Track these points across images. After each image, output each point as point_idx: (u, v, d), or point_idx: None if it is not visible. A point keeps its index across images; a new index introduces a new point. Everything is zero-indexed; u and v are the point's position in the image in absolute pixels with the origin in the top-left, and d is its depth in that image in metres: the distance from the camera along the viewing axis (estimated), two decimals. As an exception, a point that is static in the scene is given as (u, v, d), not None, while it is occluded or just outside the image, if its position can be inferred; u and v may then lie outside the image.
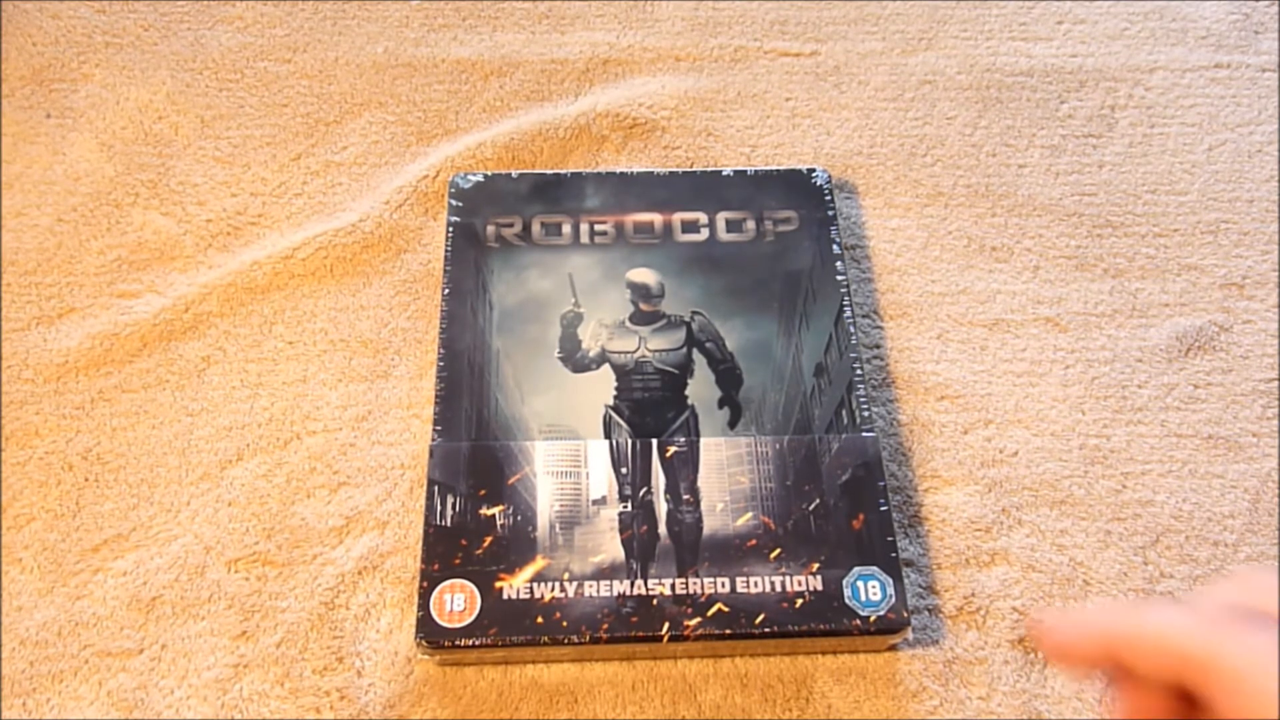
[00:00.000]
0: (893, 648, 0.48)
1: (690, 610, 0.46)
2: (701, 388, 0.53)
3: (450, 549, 0.48)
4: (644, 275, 0.57)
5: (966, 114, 0.66)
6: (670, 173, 0.61)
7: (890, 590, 0.47)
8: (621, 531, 0.49)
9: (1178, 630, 0.37)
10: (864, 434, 0.52)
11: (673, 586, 0.47)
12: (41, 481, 0.52)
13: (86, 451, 0.53)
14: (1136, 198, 0.63)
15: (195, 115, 0.65)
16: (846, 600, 0.47)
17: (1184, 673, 0.37)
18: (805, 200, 0.59)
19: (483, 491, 0.50)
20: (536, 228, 0.58)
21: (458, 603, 0.46)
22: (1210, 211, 0.62)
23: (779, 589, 0.47)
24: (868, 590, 0.47)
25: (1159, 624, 0.38)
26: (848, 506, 0.49)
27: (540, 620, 0.46)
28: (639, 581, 0.47)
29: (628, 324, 0.55)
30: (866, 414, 0.52)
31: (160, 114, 0.65)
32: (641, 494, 0.50)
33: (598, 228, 0.58)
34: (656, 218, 0.59)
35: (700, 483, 0.50)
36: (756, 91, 0.67)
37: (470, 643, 0.45)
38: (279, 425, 0.54)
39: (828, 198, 0.59)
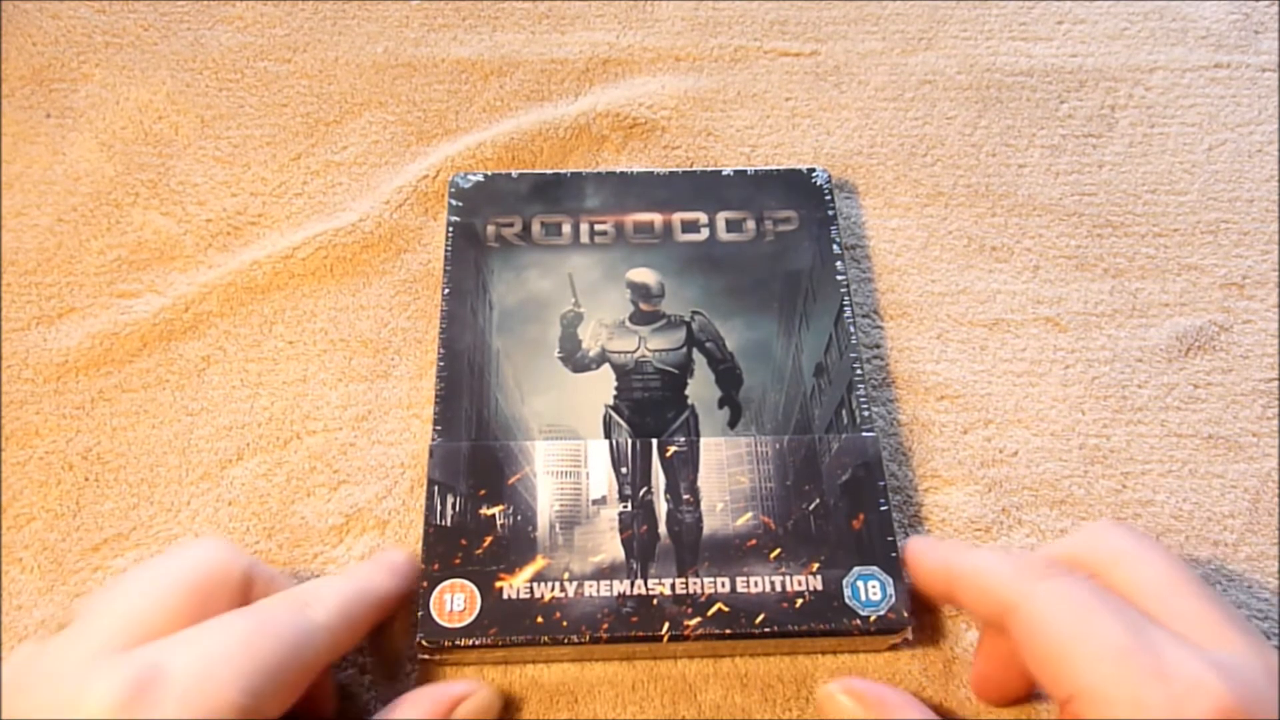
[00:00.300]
0: (893, 648, 0.48)
1: (690, 610, 0.46)
2: (701, 387, 0.53)
3: (450, 549, 0.48)
4: (644, 275, 0.57)
5: (966, 114, 0.67)
6: (670, 172, 0.61)
7: (890, 590, 0.47)
8: (621, 531, 0.49)
9: (992, 573, 0.40)
10: (864, 434, 0.52)
11: (673, 586, 0.47)
12: (41, 481, 0.52)
13: (86, 451, 0.53)
14: (1136, 198, 0.63)
15: (195, 115, 0.65)
16: (846, 600, 0.47)
17: (997, 614, 0.39)
18: (805, 200, 0.59)
19: (483, 491, 0.50)
20: (536, 227, 0.58)
21: (457, 602, 0.46)
22: (1210, 211, 0.62)
23: (779, 589, 0.47)
24: (868, 590, 0.47)
25: (978, 566, 0.41)
26: (848, 506, 0.49)
27: (540, 620, 0.46)
28: (639, 581, 0.47)
29: (628, 324, 0.55)
30: (866, 414, 0.52)
31: (160, 114, 0.65)
32: (641, 494, 0.50)
33: (598, 227, 0.58)
34: (656, 217, 0.59)
35: (700, 482, 0.50)
36: (756, 91, 0.67)
37: (470, 642, 0.45)
38: (279, 425, 0.54)
39: (828, 198, 0.59)
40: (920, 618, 0.49)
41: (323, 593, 0.41)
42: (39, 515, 0.51)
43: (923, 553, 0.46)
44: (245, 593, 0.41)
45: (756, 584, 0.47)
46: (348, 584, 0.43)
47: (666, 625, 0.46)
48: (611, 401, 0.53)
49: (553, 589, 0.47)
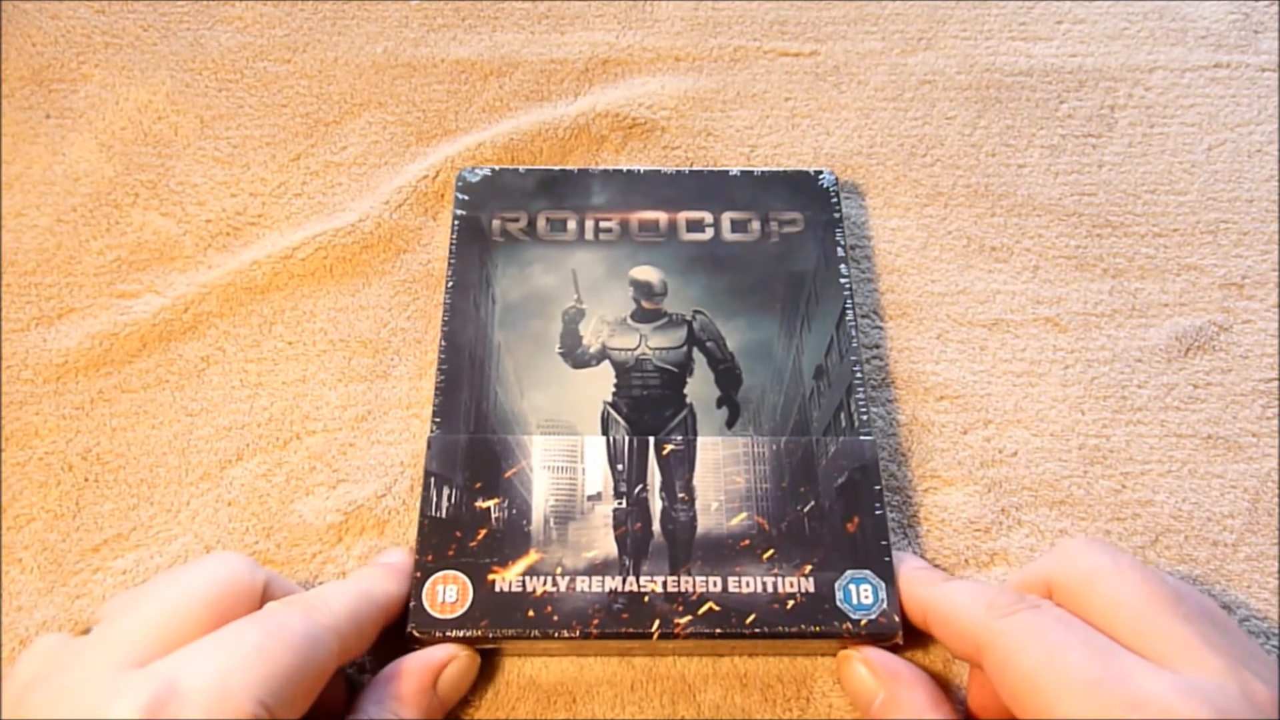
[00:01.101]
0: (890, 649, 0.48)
1: (681, 608, 0.46)
2: (701, 387, 0.53)
3: (444, 540, 0.48)
4: (647, 273, 0.57)
5: (966, 114, 0.66)
6: (677, 171, 0.61)
7: (882, 594, 0.47)
8: (615, 528, 0.49)
9: (961, 611, 0.40)
10: (862, 437, 0.52)
11: (664, 584, 0.47)
12: (41, 481, 0.52)
13: (86, 451, 0.53)
14: (1136, 198, 0.63)
15: (195, 115, 0.65)
16: (838, 603, 0.47)
17: (970, 653, 0.39)
18: (811, 202, 0.59)
19: (479, 484, 0.50)
20: (542, 223, 0.58)
21: (450, 594, 0.46)
22: (1210, 211, 0.62)
23: (771, 589, 0.47)
24: (860, 594, 0.47)
25: (948, 604, 0.41)
26: (843, 509, 0.49)
27: (531, 614, 0.46)
28: (631, 578, 0.47)
29: (629, 321, 0.55)
30: (865, 417, 0.52)
31: (160, 114, 0.65)
32: (637, 491, 0.50)
33: (603, 224, 0.59)
34: (662, 216, 0.59)
35: (696, 481, 0.50)
36: (756, 91, 0.67)
37: (461, 634, 0.46)
38: (279, 425, 0.54)
39: (834, 200, 0.59)
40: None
41: (331, 598, 0.42)
42: (39, 515, 0.51)
43: (902, 582, 0.47)
44: (262, 606, 0.42)
45: (748, 584, 0.47)
46: (354, 588, 0.44)
47: (657, 623, 0.46)
48: (610, 398, 0.53)
49: (545, 583, 0.47)
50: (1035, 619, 0.38)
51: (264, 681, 0.36)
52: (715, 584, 0.47)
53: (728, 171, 0.61)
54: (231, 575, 0.41)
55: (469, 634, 0.46)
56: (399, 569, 0.47)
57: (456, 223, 0.58)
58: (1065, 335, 0.58)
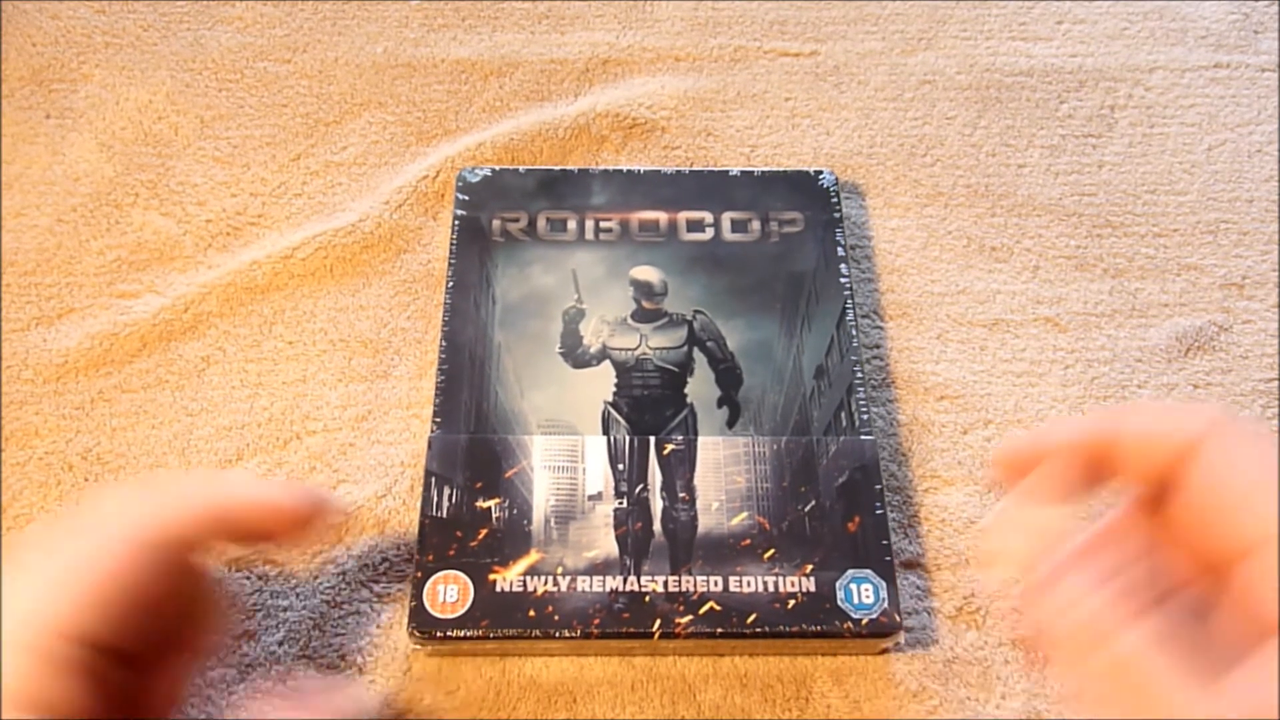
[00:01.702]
0: (884, 651, 0.48)
1: (682, 608, 0.46)
2: (701, 386, 0.53)
3: (445, 540, 0.48)
4: (647, 273, 0.57)
5: (966, 114, 0.66)
6: (677, 171, 0.61)
7: (883, 594, 0.47)
8: (616, 528, 0.49)
9: (1170, 412, 0.36)
10: (862, 437, 0.52)
11: (665, 584, 0.47)
12: (41, 481, 0.52)
13: (86, 451, 0.53)
14: (1136, 198, 0.63)
15: (195, 115, 0.65)
16: (839, 602, 0.47)
17: (1171, 458, 0.34)
18: (811, 202, 0.59)
19: (479, 484, 0.50)
20: (542, 223, 0.58)
21: (450, 594, 0.47)
22: (1210, 211, 0.62)
23: (771, 589, 0.47)
24: (860, 593, 0.47)
25: (1148, 408, 0.38)
26: (843, 509, 0.49)
27: (532, 614, 0.46)
28: (632, 578, 0.47)
29: (629, 321, 0.55)
30: (865, 417, 0.52)
31: (160, 114, 0.65)
32: (637, 491, 0.50)
33: (603, 224, 0.59)
34: (662, 216, 0.59)
35: (696, 481, 0.50)
36: (756, 91, 0.67)
37: (462, 634, 0.46)
38: (279, 425, 0.54)
39: (834, 200, 0.59)
40: (918, 618, 0.49)
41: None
42: (39, 515, 0.51)
43: (1053, 429, 0.38)
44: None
45: (749, 584, 0.47)
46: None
47: (658, 622, 0.46)
48: (611, 398, 0.53)
49: (546, 583, 0.47)
50: (1253, 425, 0.35)
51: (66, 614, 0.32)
52: (716, 583, 0.47)
53: (728, 171, 0.61)
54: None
55: (469, 634, 0.46)
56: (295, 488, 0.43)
57: (456, 223, 0.58)
58: (1065, 335, 0.58)
